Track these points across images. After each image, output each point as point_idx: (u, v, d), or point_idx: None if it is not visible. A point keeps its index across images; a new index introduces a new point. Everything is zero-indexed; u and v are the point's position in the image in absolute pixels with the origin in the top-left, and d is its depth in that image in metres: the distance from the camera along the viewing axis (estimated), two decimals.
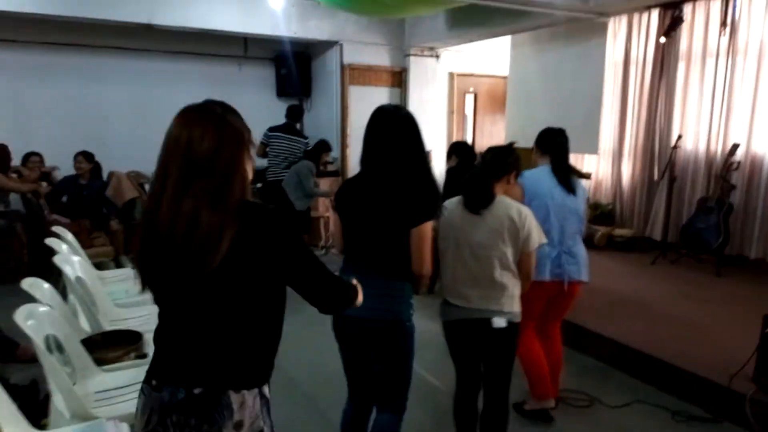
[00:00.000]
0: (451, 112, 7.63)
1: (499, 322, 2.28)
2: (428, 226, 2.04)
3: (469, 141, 7.90)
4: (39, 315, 2.28)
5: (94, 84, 6.61)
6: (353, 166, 7.22)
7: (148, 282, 1.35)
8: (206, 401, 1.31)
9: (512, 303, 2.32)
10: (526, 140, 6.48)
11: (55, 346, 2.49)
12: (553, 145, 2.94)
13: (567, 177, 2.86)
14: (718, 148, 5.36)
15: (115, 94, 6.71)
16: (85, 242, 5.09)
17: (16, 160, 5.57)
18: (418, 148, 2.07)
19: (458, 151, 4.71)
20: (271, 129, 6.32)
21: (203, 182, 1.25)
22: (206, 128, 1.28)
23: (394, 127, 2.05)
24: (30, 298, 2.48)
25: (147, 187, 6.81)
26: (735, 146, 5.07)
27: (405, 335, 2.10)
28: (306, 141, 6.40)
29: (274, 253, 1.32)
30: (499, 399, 2.42)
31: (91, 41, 6.39)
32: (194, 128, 1.27)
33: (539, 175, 2.86)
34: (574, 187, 2.86)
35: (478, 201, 2.30)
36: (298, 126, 6.60)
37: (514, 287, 2.33)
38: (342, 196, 2.18)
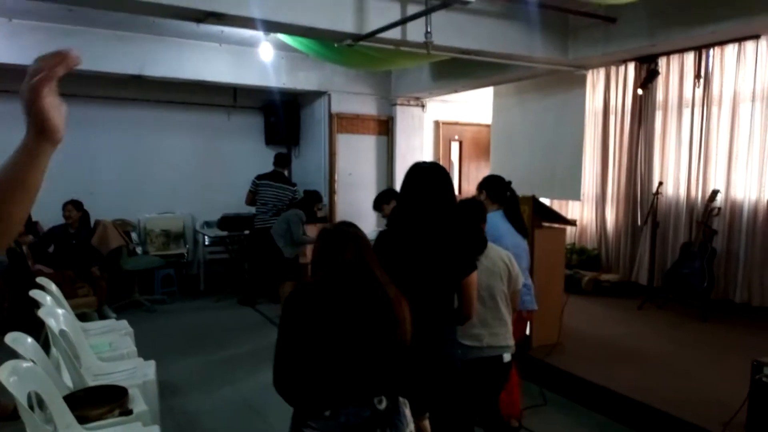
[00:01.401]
0: (437, 159, 7.76)
1: (507, 356, 2.55)
2: (476, 273, 2.25)
3: (456, 187, 8.00)
4: (22, 371, 2.23)
5: (83, 133, 6.61)
6: (341, 212, 7.26)
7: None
8: (390, 413, 1.69)
9: (511, 337, 2.61)
10: None
11: (37, 402, 2.42)
12: (505, 196, 3.34)
13: (521, 223, 3.29)
14: (699, 195, 5.50)
15: (104, 143, 6.74)
16: (69, 293, 4.99)
17: None
18: (454, 201, 2.26)
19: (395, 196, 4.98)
20: (259, 177, 6.36)
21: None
22: (346, 244, 1.83)
23: (438, 183, 2.19)
24: (12, 352, 2.43)
25: (133, 235, 6.78)
26: (714, 192, 5.20)
27: (457, 376, 2.26)
28: (294, 189, 6.44)
29: None
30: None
31: (79, 91, 6.44)
32: (340, 245, 1.83)
33: (496, 221, 3.18)
34: (525, 231, 3.30)
35: (479, 248, 2.52)
36: (285, 173, 6.66)
37: (510, 322, 2.60)
38: (386, 252, 2.17)
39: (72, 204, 5.68)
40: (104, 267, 5.73)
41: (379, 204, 4.95)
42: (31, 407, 2.26)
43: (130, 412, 2.58)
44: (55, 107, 0.81)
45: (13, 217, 0.88)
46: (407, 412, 1.73)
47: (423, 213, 2.16)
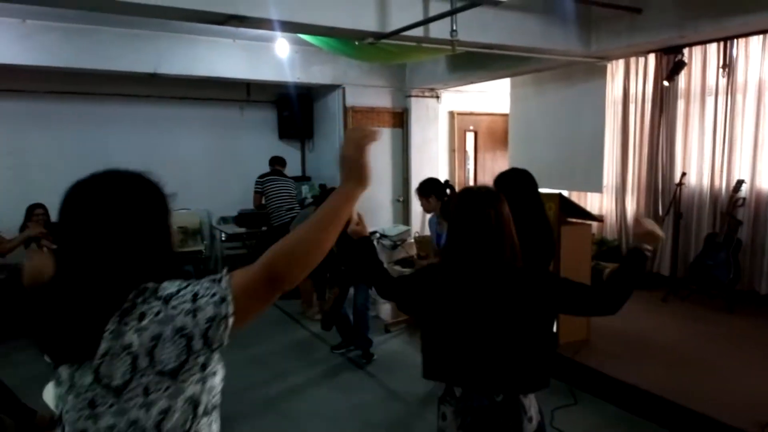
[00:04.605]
0: (452, 150, 7.69)
1: None
2: None
3: (471, 178, 7.96)
4: None
5: (97, 131, 6.61)
6: (357, 206, 7.15)
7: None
8: (508, 404, 1.79)
9: None
10: None
11: None
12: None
13: None
14: (723, 185, 5.43)
15: (118, 140, 6.69)
16: None
17: (20, 212, 5.52)
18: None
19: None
20: (261, 176, 6.50)
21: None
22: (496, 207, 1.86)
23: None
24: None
25: None
26: (739, 182, 5.14)
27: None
28: (294, 183, 6.62)
29: None
30: None
31: (94, 89, 6.43)
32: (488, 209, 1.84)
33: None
34: None
35: None
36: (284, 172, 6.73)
37: None
38: None
39: None
40: None
41: (427, 192, 4.40)
42: None
43: None
44: (369, 164, 1.20)
45: (326, 246, 1.17)
46: (526, 402, 1.82)
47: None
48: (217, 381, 1.16)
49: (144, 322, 1.05)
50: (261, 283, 1.10)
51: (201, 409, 1.12)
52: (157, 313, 1.05)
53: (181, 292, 1.07)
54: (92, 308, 1.07)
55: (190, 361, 1.06)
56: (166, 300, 1.06)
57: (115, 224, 1.11)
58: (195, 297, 1.06)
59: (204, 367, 1.10)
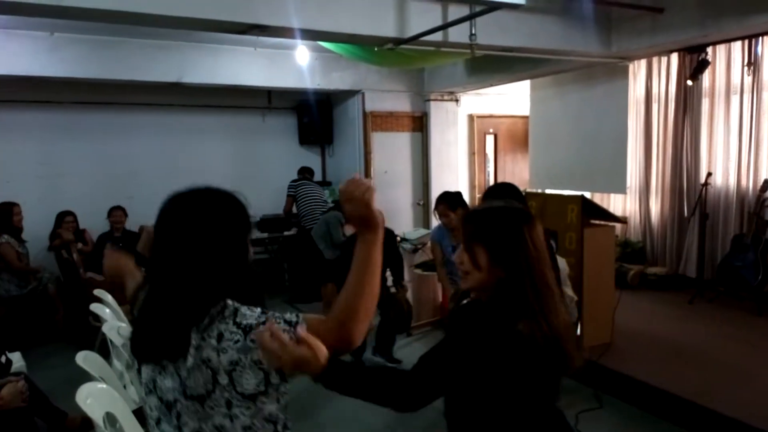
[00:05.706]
0: (472, 153, 7.68)
1: None
2: None
3: (492, 181, 7.93)
4: (97, 393, 2.30)
5: (123, 139, 6.74)
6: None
7: None
8: None
9: None
10: (551, 182, 6.49)
11: (109, 420, 2.49)
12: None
13: None
14: (749, 185, 5.33)
15: (143, 148, 6.82)
16: (120, 299, 5.11)
17: (50, 220, 5.68)
18: None
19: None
20: (294, 181, 6.67)
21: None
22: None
23: None
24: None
25: None
26: (767, 182, 5.03)
27: None
28: (323, 189, 6.75)
29: None
30: None
31: (119, 99, 6.56)
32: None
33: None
34: None
35: None
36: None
37: None
38: None
39: (121, 209, 5.84)
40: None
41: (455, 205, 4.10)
42: (105, 425, 2.33)
43: None
44: (375, 211, 1.22)
45: (377, 291, 1.23)
46: None
47: None
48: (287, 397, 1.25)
49: (222, 344, 1.13)
50: (333, 339, 1.18)
51: (280, 426, 1.22)
52: (236, 341, 1.13)
53: (261, 328, 1.13)
54: (178, 316, 1.16)
55: (269, 390, 1.16)
56: (245, 330, 1.14)
57: (208, 239, 1.19)
58: None
59: (279, 391, 1.20)
